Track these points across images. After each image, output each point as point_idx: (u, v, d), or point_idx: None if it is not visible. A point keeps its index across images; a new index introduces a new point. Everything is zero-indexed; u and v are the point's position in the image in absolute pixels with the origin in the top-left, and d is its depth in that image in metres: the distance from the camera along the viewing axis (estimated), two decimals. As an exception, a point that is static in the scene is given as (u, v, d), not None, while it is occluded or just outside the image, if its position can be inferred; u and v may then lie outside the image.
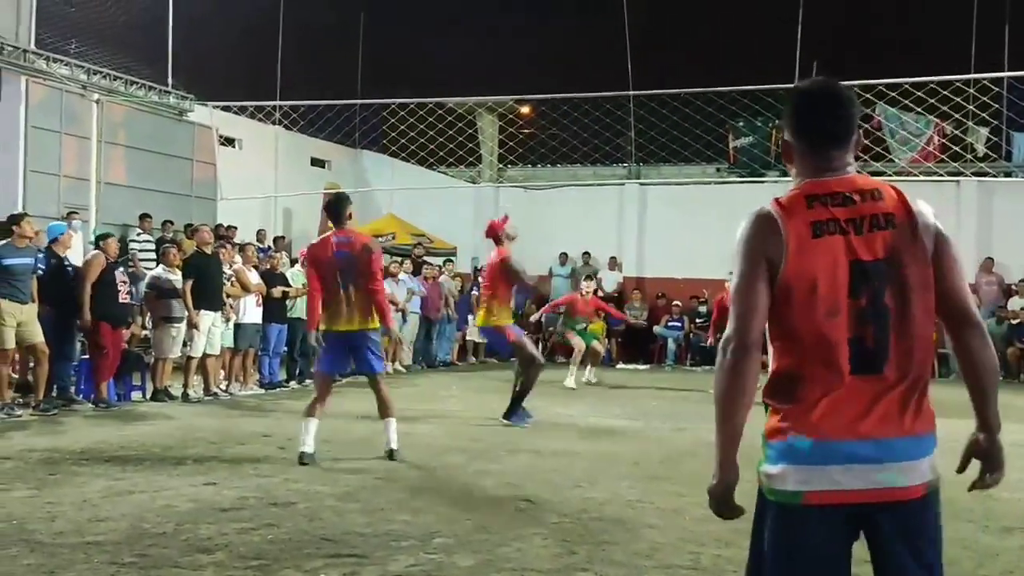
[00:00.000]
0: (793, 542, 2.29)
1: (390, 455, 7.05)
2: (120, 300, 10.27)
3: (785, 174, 20.07)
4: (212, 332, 11.02)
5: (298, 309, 12.50)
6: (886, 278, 2.27)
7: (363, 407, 9.57)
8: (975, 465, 2.40)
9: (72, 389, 10.16)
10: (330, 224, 18.62)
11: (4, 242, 9.47)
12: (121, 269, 10.67)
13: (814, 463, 2.25)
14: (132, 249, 14.12)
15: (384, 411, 7.18)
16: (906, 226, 2.30)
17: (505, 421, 9.27)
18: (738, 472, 2.37)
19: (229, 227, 15.23)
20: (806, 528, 2.27)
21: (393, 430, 7.13)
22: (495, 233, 9.49)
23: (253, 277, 11.78)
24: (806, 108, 2.44)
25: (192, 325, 10.67)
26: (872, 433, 2.25)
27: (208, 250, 11.18)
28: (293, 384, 12.62)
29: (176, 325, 10.72)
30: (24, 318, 9.28)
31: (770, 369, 2.38)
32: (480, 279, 10.13)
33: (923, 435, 2.31)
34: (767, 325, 2.34)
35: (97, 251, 10.23)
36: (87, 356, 10.51)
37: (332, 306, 7.00)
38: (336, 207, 7.17)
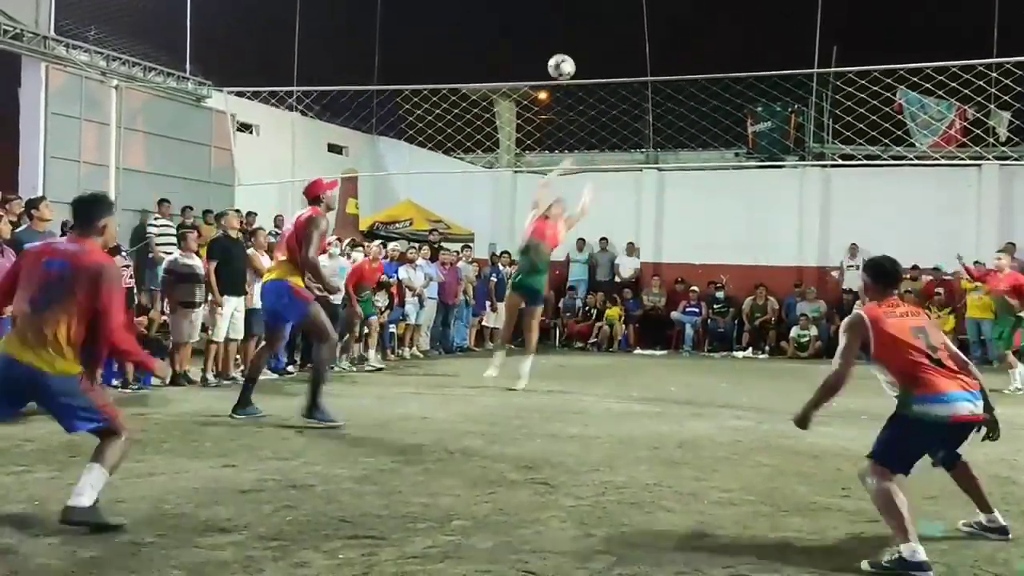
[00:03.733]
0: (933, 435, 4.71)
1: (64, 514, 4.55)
2: (123, 285, 10.22)
3: (803, 159, 20.05)
4: (235, 317, 11.09)
5: None
6: (929, 332, 4.79)
7: (377, 390, 9.62)
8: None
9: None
10: (348, 210, 18.49)
11: (23, 227, 9.53)
12: (123, 253, 10.62)
13: (949, 401, 4.58)
14: (150, 234, 14.19)
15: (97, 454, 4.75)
16: (921, 313, 5.09)
17: (311, 420, 7.88)
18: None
19: (249, 214, 15.26)
20: (946, 430, 4.66)
21: (91, 483, 4.64)
22: (316, 193, 8.29)
23: (265, 262, 11.82)
24: (884, 271, 5.02)
25: (217, 305, 10.75)
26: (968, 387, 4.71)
27: (234, 235, 11.23)
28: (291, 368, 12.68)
29: (194, 310, 10.77)
30: (44, 303, 9.32)
31: (899, 382, 4.73)
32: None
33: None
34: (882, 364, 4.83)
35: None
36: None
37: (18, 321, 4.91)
38: (81, 207, 5.00)
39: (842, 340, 4.80)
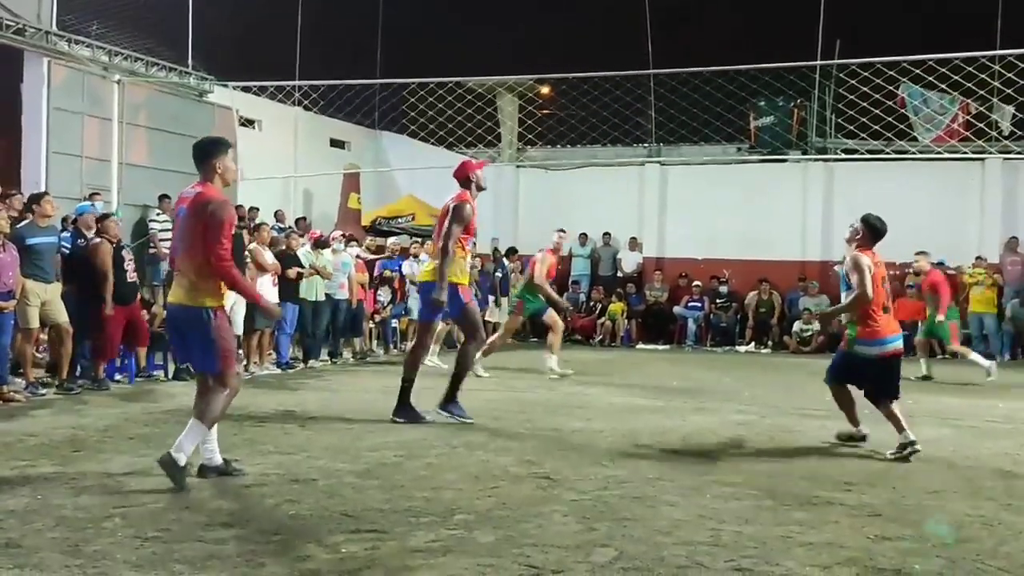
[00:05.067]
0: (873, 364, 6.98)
1: (162, 458, 5.30)
2: (128, 279, 10.17)
3: (806, 153, 20.05)
4: (235, 311, 11.08)
5: (308, 289, 12.63)
6: (888, 283, 7.03)
7: (381, 382, 9.62)
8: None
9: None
10: (350, 204, 18.54)
11: (26, 222, 9.54)
12: (126, 248, 10.63)
13: (882, 344, 6.85)
14: (152, 230, 14.20)
15: (197, 411, 5.44)
16: (882, 264, 7.00)
17: (443, 413, 7.97)
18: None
19: (252, 208, 15.25)
20: (877, 362, 6.95)
21: (189, 439, 5.33)
22: (465, 174, 8.57)
23: (268, 256, 11.83)
24: (878, 229, 6.99)
25: None
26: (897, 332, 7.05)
27: (233, 231, 11.23)
28: (300, 364, 12.70)
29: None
30: (48, 297, 9.36)
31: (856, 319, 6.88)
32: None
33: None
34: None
35: (100, 239, 9.99)
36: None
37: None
38: (196, 151, 5.63)
39: (855, 275, 6.74)
